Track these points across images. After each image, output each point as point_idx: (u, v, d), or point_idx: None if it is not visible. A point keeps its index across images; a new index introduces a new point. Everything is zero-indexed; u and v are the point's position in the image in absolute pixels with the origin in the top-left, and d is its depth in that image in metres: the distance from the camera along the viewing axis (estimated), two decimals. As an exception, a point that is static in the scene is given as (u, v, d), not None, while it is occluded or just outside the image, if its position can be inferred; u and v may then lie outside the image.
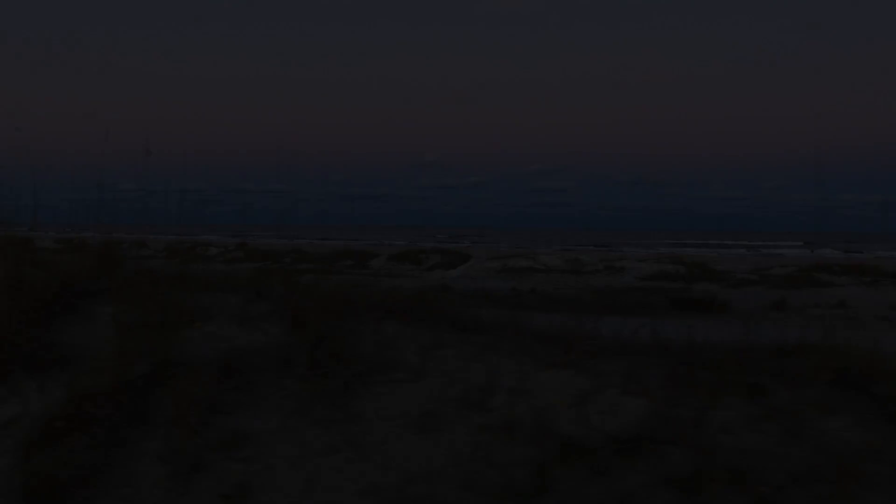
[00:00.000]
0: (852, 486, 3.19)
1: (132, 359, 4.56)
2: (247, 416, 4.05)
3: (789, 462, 3.35)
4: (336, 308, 4.78)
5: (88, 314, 5.44)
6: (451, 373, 4.38)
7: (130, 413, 4.03)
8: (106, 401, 3.98)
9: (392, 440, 3.85)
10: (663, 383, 3.91)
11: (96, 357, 4.91)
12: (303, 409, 4.11)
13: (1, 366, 4.78)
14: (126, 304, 5.32)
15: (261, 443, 3.84)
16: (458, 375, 4.30)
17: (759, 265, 27.15)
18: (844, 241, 39.22)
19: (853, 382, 3.78)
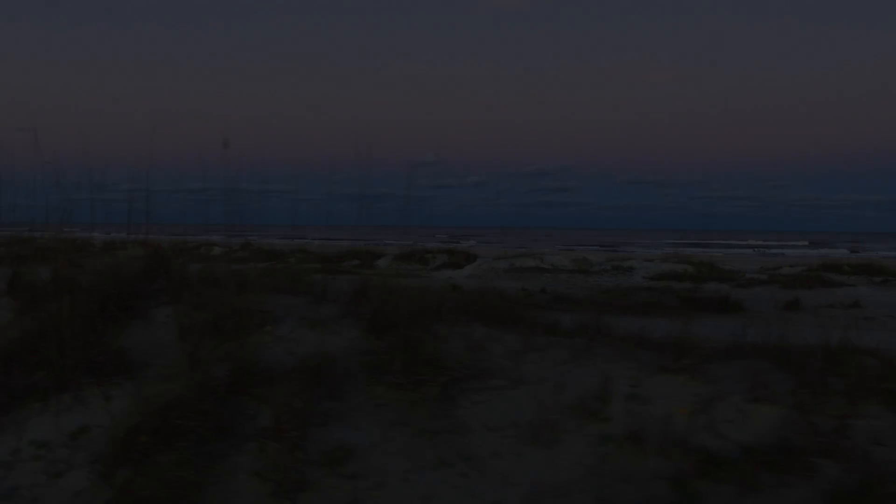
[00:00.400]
0: None
1: (208, 365, 4.27)
2: (343, 427, 3.77)
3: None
4: (420, 311, 4.50)
5: (146, 317, 5.14)
6: (552, 379, 4.12)
7: (216, 424, 3.73)
8: (189, 411, 3.68)
9: (506, 452, 3.58)
10: (793, 389, 3.66)
11: (165, 363, 4.61)
12: (402, 419, 3.83)
13: (63, 373, 4.46)
14: (188, 307, 5.02)
15: (366, 457, 3.56)
16: (562, 382, 4.03)
17: (766, 265, 27.06)
18: (844, 241, 39.36)
19: None
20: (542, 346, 4.54)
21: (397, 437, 3.70)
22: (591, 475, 3.38)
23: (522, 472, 3.46)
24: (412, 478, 3.44)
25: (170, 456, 3.52)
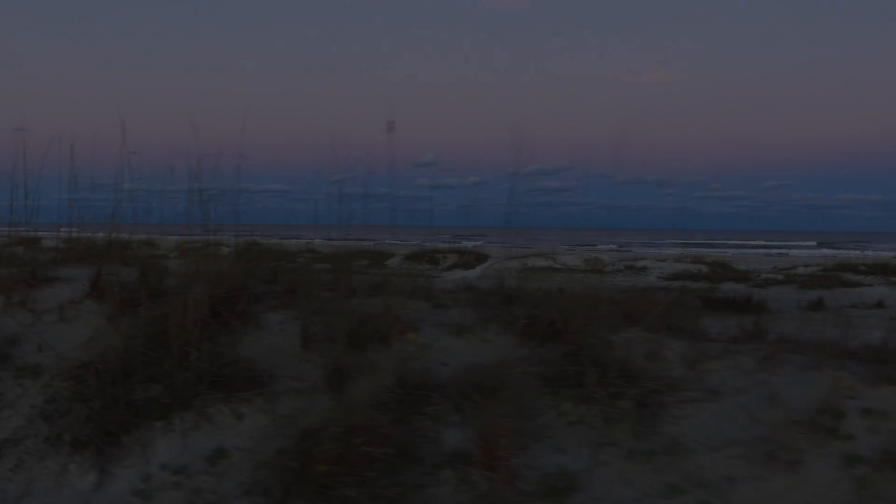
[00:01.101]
0: None
1: (353, 379, 3.77)
2: (545, 449, 3.29)
3: None
4: (589, 316, 4.04)
5: (257, 323, 4.61)
6: (751, 389, 3.67)
7: (400, 450, 3.23)
8: (371, 434, 3.18)
9: (742, 476, 3.12)
10: None
11: (293, 376, 4.10)
12: (607, 439, 3.36)
13: (184, 387, 3.93)
14: (306, 313, 4.51)
15: (586, 485, 3.08)
16: (772, 394, 3.59)
17: (778, 265, 26.92)
18: (848, 241, 39.48)
19: None
20: (716, 354, 4.10)
21: (610, 461, 3.23)
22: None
23: (770, 500, 3.00)
24: (648, 510, 2.97)
25: (357, 489, 3.02)
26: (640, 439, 3.35)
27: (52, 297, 5.17)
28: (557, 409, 3.56)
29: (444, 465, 3.19)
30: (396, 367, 3.68)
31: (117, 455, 3.72)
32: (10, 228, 6.26)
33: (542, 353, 3.99)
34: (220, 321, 4.40)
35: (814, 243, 37.41)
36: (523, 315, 4.23)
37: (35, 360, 4.46)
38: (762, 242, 36.39)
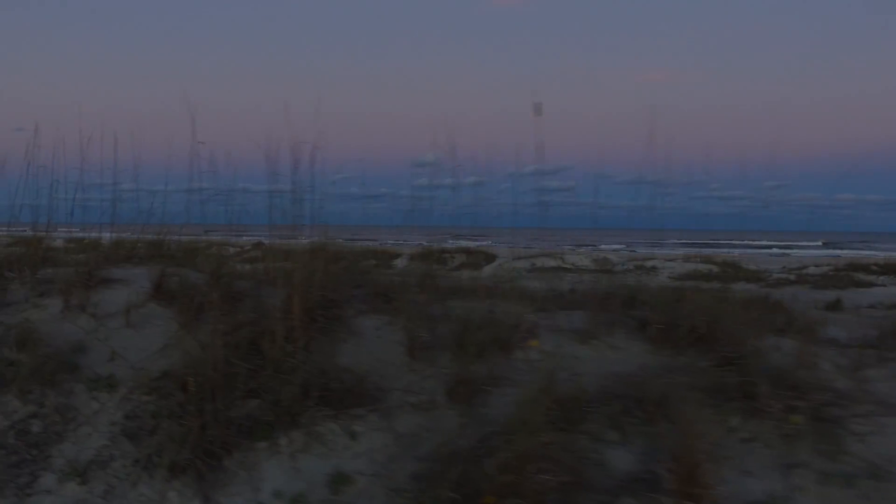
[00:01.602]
0: None
1: (520, 395, 3.37)
2: (731, 472, 2.89)
3: None
4: (736, 321, 3.66)
5: (353, 330, 4.19)
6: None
7: (571, 475, 2.82)
8: (543, 460, 2.77)
9: (961, 504, 2.74)
10: None
11: (405, 388, 3.68)
12: (796, 460, 2.97)
13: (288, 403, 3.50)
14: (412, 319, 4.09)
15: (793, 514, 2.69)
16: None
17: (787, 265, 26.76)
18: (850, 241, 39.49)
19: None
20: (872, 362, 3.74)
21: (806, 486, 2.85)
22: None
23: None
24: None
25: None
26: (829, 460, 2.97)
27: (112, 299, 4.72)
28: (725, 424, 3.17)
29: (622, 491, 2.79)
30: (541, 380, 3.27)
31: (221, 480, 3.29)
32: (31, 227, 5.81)
33: (686, 361, 3.60)
34: (316, 328, 3.97)
35: (819, 243, 37.39)
36: (656, 320, 3.83)
37: (107, 371, 4.01)
38: (767, 242, 36.32)
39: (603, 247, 32.01)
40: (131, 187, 6.05)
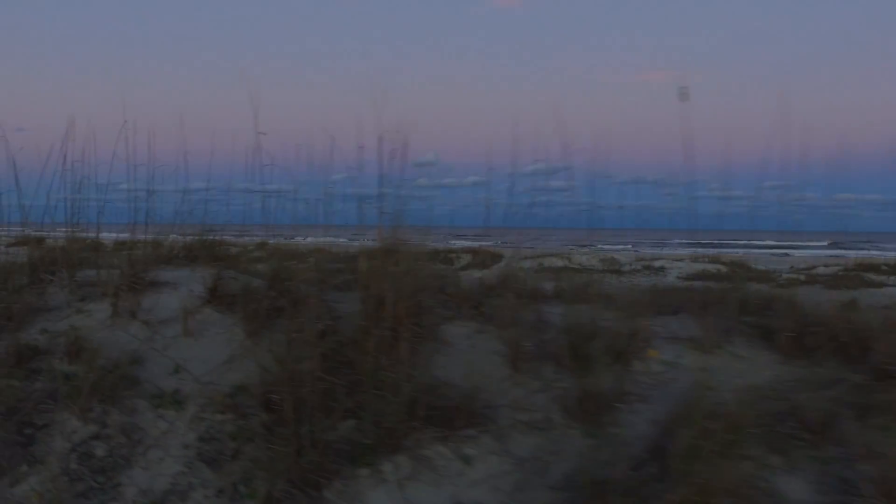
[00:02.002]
0: None
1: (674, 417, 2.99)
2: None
3: None
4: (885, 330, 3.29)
5: (442, 340, 3.80)
6: None
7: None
8: (720, 492, 2.39)
9: None
10: None
11: (514, 405, 3.29)
12: None
13: (391, 425, 3.10)
14: (510, 327, 3.71)
15: None
16: None
17: (796, 265, 26.58)
18: (853, 241, 39.44)
19: None
20: None
21: None
22: None
23: None
24: None
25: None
26: None
27: (163, 305, 4.30)
28: (897, 449, 2.80)
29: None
30: (686, 397, 2.89)
31: (322, 514, 2.89)
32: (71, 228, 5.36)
33: (827, 373, 3.23)
34: (407, 338, 3.58)
35: (826, 243, 37.34)
36: (785, 326, 3.47)
37: (171, 385, 3.59)
38: (771, 242, 36.21)
39: (607, 247, 31.74)
40: (167, 187, 5.63)
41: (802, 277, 22.43)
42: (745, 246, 32.87)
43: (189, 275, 4.82)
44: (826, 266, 24.55)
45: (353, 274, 4.59)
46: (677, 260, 24.96)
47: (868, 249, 33.80)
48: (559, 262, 23.56)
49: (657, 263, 24.06)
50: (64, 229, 5.23)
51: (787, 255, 32.42)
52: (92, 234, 5.51)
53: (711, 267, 23.70)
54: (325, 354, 3.43)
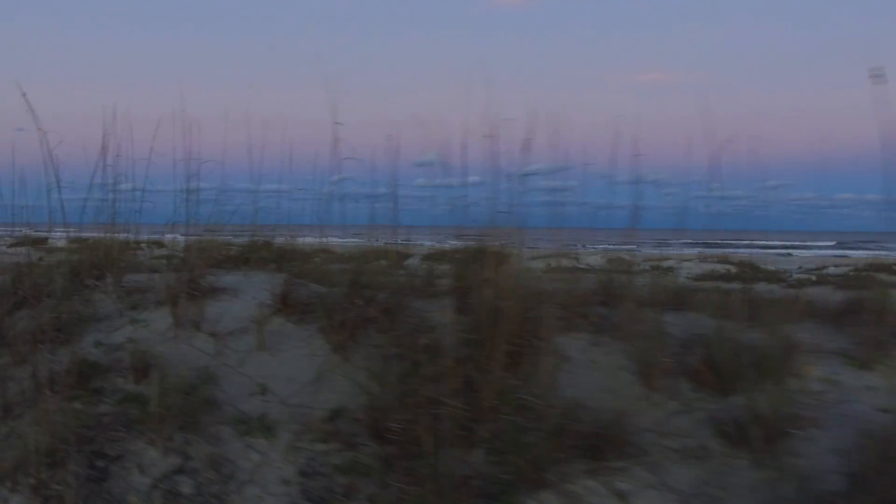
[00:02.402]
0: None
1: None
2: None
3: None
4: None
5: (555, 354, 3.36)
6: None
7: None
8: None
9: None
10: None
11: (661, 428, 2.87)
12: None
13: (540, 455, 2.67)
14: (637, 339, 3.29)
15: None
16: None
17: (804, 265, 26.32)
18: (855, 241, 39.29)
19: None
20: None
21: None
22: None
23: None
24: None
25: None
26: None
27: (227, 313, 3.85)
28: None
29: None
30: (870, 424, 2.48)
31: (465, 564, 2.45)
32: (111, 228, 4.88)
33: None
34: (524, 354, 3.15)
35: (832, 242, 37.19)
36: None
37: (255, 408, 3.14)
38: (775, 242, 35.99)
39: (612, 247, 31.41)
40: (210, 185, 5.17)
41: (814, 278, 22.22)
42: (746, 246, 32.64)
43: (245, 280, 4.37)
44: (836, 266, 24.32)
45: (430, 278, 4.17)
46: (685, 260, 24.68)
47: (872, 249, 33.62)
48: (568, 263, 23.23)
49: (665, 264, 23.79)
50: (102, 229, 4.75)
51: (789, 254, 32.22)
52: (131, 235, 5.05)
53: (720, 267, 23.42)
54: (438, 374, 3.00)
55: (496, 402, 2.83)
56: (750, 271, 23.51)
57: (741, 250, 31.12)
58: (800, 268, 25.81)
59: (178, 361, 3.42)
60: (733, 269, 23.61)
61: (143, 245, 5.34)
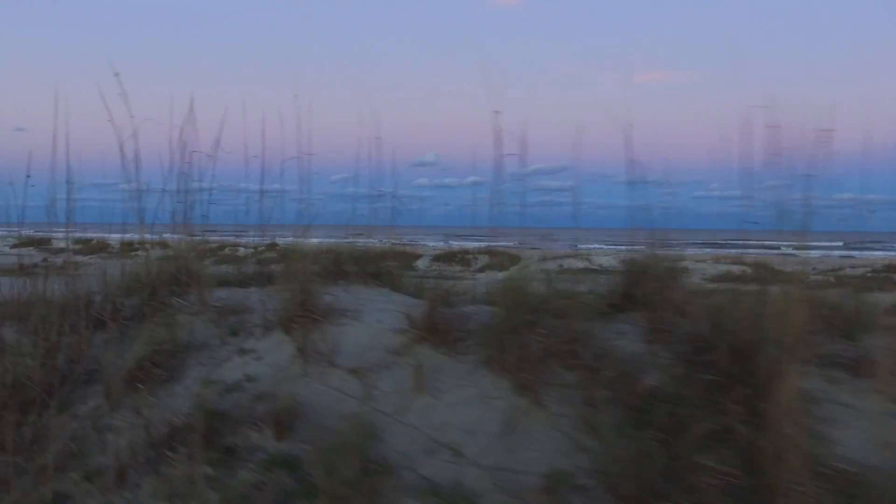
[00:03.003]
0: None
1: None
2: None
3: None
4: None
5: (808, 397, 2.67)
6: None
7: None
8: None
9: None
10: None
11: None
12: None
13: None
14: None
15: None
16: None
17: (818, 266, 25.98)
18: (864, 241, 39.05)
19: None
20: None
21: None
22: None
23: None
24: None
25: None
26: None
27: (352, 342, 3.10)
28: None
29: None
30: None
31: None
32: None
33: None
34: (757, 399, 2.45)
35: (840, 243, 36.88)
36: None
37: (442, 474, 2.41)
38: (784, 243, 35.67)
39: (618, 247, 30.80)
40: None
41: (831, 279, 21.78)
42: (750, 246, 32.30)
43: (352, 297, 3.62)
44: (853, 267, 23.94)
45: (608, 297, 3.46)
46: (699, 261, 24.13)
47: (878, 250, 33.39)
48: (579, 264, 22.57)
49: (679, 265, 23.26)
50: (178, 231, 3.98)
51: (794, 255, 31.82)
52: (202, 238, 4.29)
53: (735, 268, 22.93)
54: (676, 426, 2.29)
55: (792, 471, 2.13)
56: (766, 273, 23.04)
57: (740, 251, 30.78)
58: (813, 269, 25.47)
59: (321, 408, 2.68)
60: (748, 270, 23.15)
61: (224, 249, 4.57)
